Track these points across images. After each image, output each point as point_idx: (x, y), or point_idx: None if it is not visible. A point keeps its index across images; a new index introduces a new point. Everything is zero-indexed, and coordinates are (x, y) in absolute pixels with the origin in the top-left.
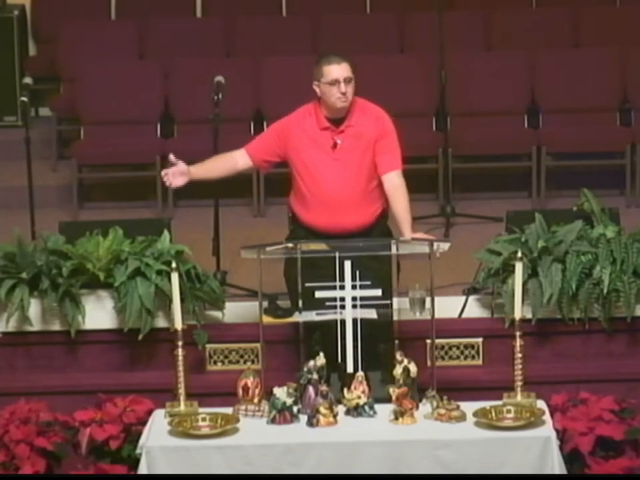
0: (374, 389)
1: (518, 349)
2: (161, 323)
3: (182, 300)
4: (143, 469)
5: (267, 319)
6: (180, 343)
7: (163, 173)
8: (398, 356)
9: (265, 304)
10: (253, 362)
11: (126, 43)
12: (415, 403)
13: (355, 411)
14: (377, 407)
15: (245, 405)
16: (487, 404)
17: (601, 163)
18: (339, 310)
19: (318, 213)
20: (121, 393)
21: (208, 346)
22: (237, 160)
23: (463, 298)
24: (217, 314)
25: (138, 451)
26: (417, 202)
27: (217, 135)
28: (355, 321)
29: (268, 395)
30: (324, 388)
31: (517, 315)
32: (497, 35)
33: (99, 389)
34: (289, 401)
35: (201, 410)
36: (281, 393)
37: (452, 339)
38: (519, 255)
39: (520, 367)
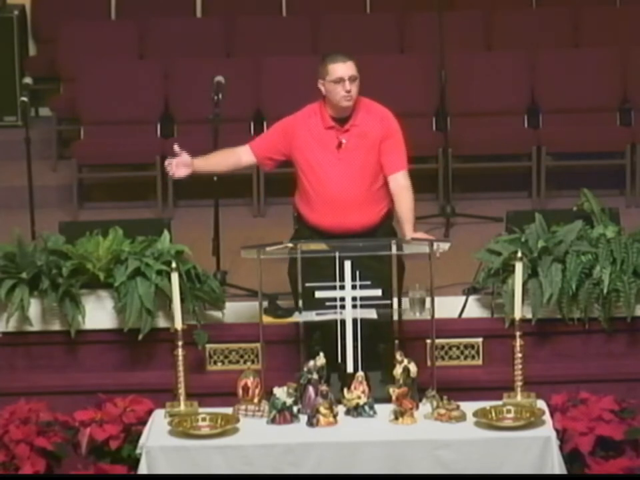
0: (374, 389)
1: (518, 348)
2: (161, 323)
3: (182, 300)
4: (142, 469)
5: (267, 319)
6: (180, 343)
7: (166, 162)
8: (398, 356)
9: (265, 304)
10: (253, 362)
11: (126, 43)
12: (415, 403)
13: (355, 410)
14: (377, 407)
15: (245, 405)
16: (487, 404)
17: (601, 163)
18: (339, 310)
19: (323, 213)
20: (121, 393)
21: (208, 346)
22: (240, 156)
23: (463, 298)
24: (217, 314)
25: (138, 451)
26: (417, 202)
27: (217, 135)
28: (355, 320)
29: (268, 395)
30: (324, 388)
31: (517, 315)
32: (497, 35)
33: (99, 389)
34: (289, 401)
35: (201, 410)
36: (281, 393)
37: (452, 339)
38: (519, 255)
39: (520, 367)
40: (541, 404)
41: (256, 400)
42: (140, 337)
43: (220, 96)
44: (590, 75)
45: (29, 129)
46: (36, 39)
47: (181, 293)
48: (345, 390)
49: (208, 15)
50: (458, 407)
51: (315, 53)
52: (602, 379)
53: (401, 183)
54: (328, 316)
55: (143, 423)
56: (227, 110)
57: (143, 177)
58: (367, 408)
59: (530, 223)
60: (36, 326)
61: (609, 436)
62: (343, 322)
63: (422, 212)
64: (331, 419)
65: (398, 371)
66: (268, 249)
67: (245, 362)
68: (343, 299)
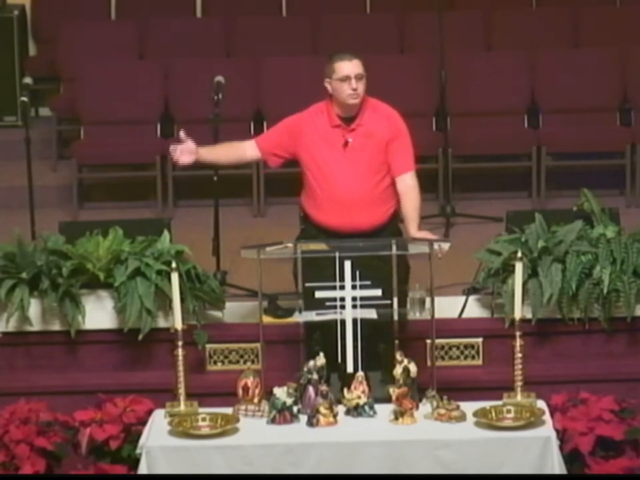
0: (374, 388)
1: (518, 348)
2: (161, 323)
3: (182, 300)
4: (142, 469)
5: (267, 319)
6: (180, 343)
7: (171, 148)
8: (398, 356)
9: (265, 304)
10: (253, 362)
11: (126, 43)
12: (415, 403)
13: (355, 410)
14: (377, 406)
15: (245, 405)
16: (487, 404)
17: (600, 163)
18: (339, 310)
19: (329, 212)
20: (121, 393)
21: (208, 346)
22: (245, 149)
23: (463, 298)
24: (217, 314)
25: (138, 451)
26: None
27: (217, 135)
28: (355, 321)
29: (268, 395)
30: (324, 388)
31: (517, 315)
32: (497, 34)
33: (99, 389)
34: (289, 401)
35: (201, 410)
36: (281, 393)
37: (452, 339)
38: (519, 255)
39: (520, 367)
40: (541, 404)
41: (256, 400)
42: (140, 337)
43: (220, 96)
44: (590, 75)
45: (28, 129)
46: (36, 39)
47: (181, 293)
48: (345, 390)
49: (208, 14)
50: (458, 407)
51: (315, 53)
52: (602, 379)
53: (408, 184)
54: (328, 316)
55: (143, 423)
56: (227, 110)
57: (142, 176)
58: (366, 408)
59: (530, 223)
60: (36, 326)
61: (609, 436)
62: (343, 322)
63: (422, 212)
64: (331, 419)
65: (398, 371)
66: (268, 249)
67: (245, 362)
68: (343, 299)
